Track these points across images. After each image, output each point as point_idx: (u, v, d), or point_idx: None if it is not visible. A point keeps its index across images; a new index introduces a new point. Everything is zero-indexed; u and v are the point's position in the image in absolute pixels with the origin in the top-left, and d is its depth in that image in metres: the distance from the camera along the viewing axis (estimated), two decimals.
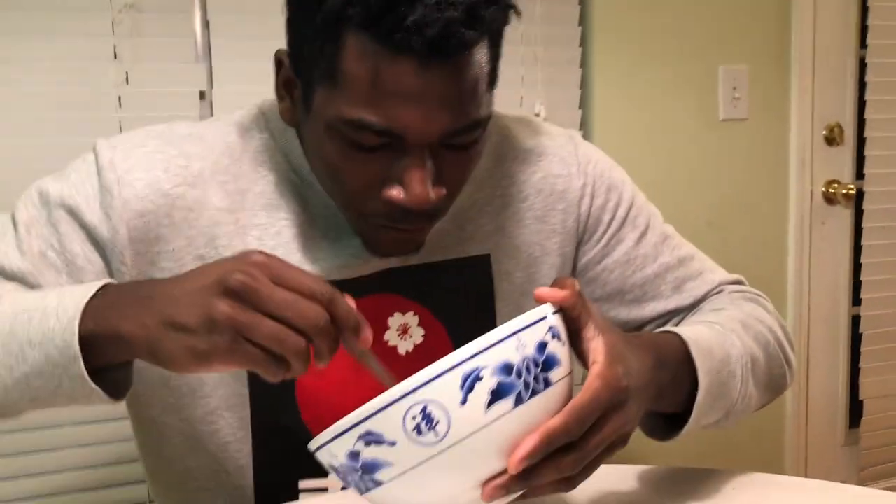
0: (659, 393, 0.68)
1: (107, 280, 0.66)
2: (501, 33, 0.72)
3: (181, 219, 0.76)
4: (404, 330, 0.82)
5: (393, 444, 0.54)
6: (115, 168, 0.75)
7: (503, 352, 0.55)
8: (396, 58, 0.65)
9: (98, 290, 0.63)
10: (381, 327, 0.81)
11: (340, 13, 0.65)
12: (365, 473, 0.56)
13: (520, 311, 0.64)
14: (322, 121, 0.70)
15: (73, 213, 0.75)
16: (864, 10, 1.88)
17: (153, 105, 1.38)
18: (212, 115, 1.42)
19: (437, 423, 0.53)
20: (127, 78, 1.36)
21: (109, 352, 0.61)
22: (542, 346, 0.57)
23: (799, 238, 1.87)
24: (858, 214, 1.94)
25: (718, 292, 0.92)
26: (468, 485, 0.56)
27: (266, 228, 0.78)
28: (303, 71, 0.72)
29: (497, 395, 0.54)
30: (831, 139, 1.89)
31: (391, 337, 0.81)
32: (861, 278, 1.95)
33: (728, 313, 0.84)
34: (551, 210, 0.87)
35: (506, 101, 1.57)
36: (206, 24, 1.41)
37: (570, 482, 0.60)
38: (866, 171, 1.92)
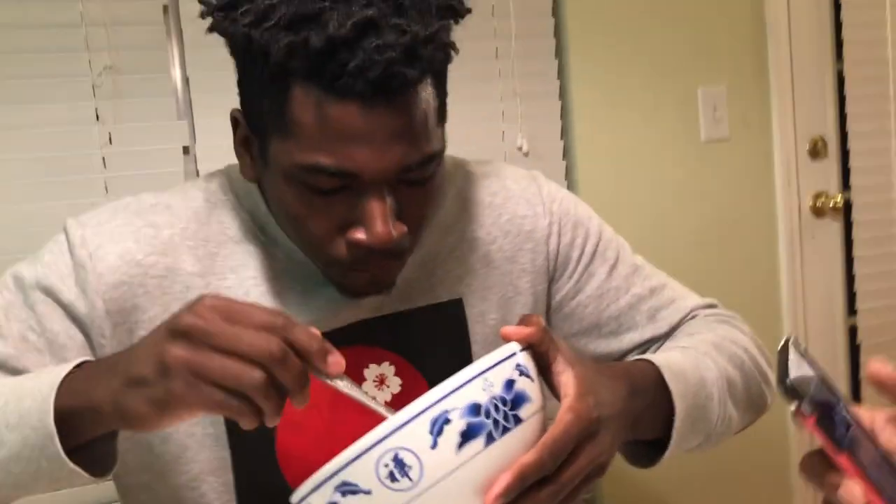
0: (635, 421, 0.69)
1: (84, 358, 0.66)
2: (444, 72, 0.75)
3: (155, 286, 0.77)
4: (381, 380, 0.82)
5: (368, 492, 0.54)
6: (86, 244, 0.77)
7: (470, 393, 0.56)
8: (342, 101, 0.66)
9: (74, 368, 0.63)
10: (357, 380, 0.81)
11: (285, 65, 0.67)
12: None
13: None
14: (280, 171, 0.71)
15: (49, 293, 0.76)
16: (838, 24, 1.90)
17: (138, 163, 1.39)
18: (196, 169, 1.43)
19: (410, 468, 0.54)
20: (110, 138, 1.37)
21: (86, 425, 0.61)
22: (509, 384, 0.58)
23: (790, 253, 1.88)
24: (848, 226, 1.94)
25: (692, 318, 0.93)
26: None
27: (234, 290, 0.79)
28: (257, 126, 0.73)
29: (467, 436, 0.55)
30: (815, 152, 1.90)
31: (368, 388, 0.81)
32: (855, 289, 1.95)
33: (701, 337, 0.86)
34: (520, 250, 0.88)
35: (487, 136, 1.60)
36: (185, 81, 1.43)
37: None
38: (852, 182, 1.93)
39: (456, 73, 1.67)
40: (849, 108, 1.91)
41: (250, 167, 0.77)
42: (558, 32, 1.67)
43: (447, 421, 0.55)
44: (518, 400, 0.58)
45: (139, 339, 0.63)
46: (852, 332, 1.98)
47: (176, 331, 0.57)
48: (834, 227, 1.93)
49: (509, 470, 0.56)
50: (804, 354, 0.56)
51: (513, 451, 0.57)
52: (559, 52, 1.67)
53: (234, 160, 0.82)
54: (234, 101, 0.84)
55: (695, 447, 0.78)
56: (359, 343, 0.81)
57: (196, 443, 0.79)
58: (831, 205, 1.89)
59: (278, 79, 0.68)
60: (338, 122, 0.67)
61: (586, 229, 0.91)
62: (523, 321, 0.63)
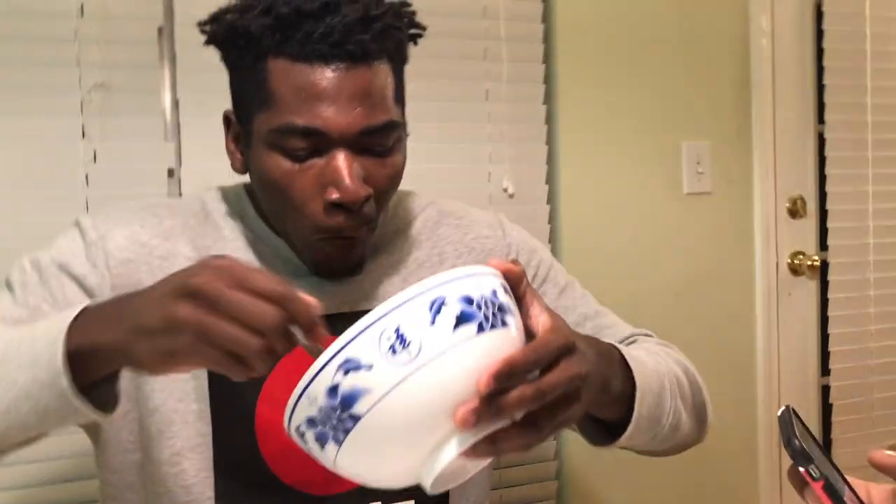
0: (603, 384, 0.74)
1: (87, 302, 0.71)
2: (401, 57, 0.88)
3: (157, 266, 0.87)
4: None
5: (370, 367, 0.58)
6: (97, 227, 0.88)
7: (463, 286, 0.61)
8: (309, 66, 0.80)
9: (80, 312, 0.68)
10: None
11: (261, 42, 0.81)
12: (343, 410, 0.58)
13: None
14: (261, 142, 0.83)
15: (62, 268, 0.86)
16: (820, 87, 1.95)
17: (121, 183, 1.38)
18: (180, 192, 1.43)
19: (410, 342, 0.58)
20: (95, 156, 1.36)
21: (93, 365, 0.66)
22: (495, 293, 0.63)
23: (766, 309, 1.89)
24: (824, 285, 1.96)
25: (633, 341, 1.01)
26: (442, 411, 0.59)
27: None
28: (244, 111, 0.86)
29: (461, 320, 0.60)
30: (794, 212, 1.93)
31: None
32: (829, 349, 1.97)
33: (647, 346, 0.95)
34: (483, 264, 0.93)
35: (473, 177, 1.61)
36: (175, 104, 1.43)
37: (537, 430, 0.63)
38: (830, 242, 1.95)
39: (446, 112, 1.70)
40: (828, 170, 1.94)
41: (239, 161, 0.89)
42: (548, 78, 1.69)
43: (444, 304, 0.60)
44: (503, 308, 0.63)
45: (144, 288, 0.67)
46: (825, 391, 1.99)
47: (185, 290, 0.62)
48: (810, 287, 1.95)
49: (500, 360, 0.60)
50: (803, 423, 0.60)
51: (501, 347, 0.62)
52: (548, 97, 1.69)
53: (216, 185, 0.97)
54: (221, 128, 0.91)
55: (647, 442, 0.85)
56: (337, 334, 0.84)
57: (180, 418, 0.86)
58: (808, 264, 1.92)
59: (257, 58, 0.82)
60: (306, 84, 0.80)
61: (540, 256, 1.03)
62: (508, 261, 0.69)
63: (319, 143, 0.81)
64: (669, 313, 1.79)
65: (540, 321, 0.67)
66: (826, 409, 1.99)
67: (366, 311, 0.84)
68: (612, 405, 0.79)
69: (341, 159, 0.81)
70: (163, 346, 0.62)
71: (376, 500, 0.91)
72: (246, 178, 0.93)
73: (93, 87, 1.36)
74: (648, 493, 1.76)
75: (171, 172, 1.43)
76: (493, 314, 0.62)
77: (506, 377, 0.60)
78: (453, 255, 0.98)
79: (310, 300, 0.63)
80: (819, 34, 1.94)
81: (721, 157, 1.84)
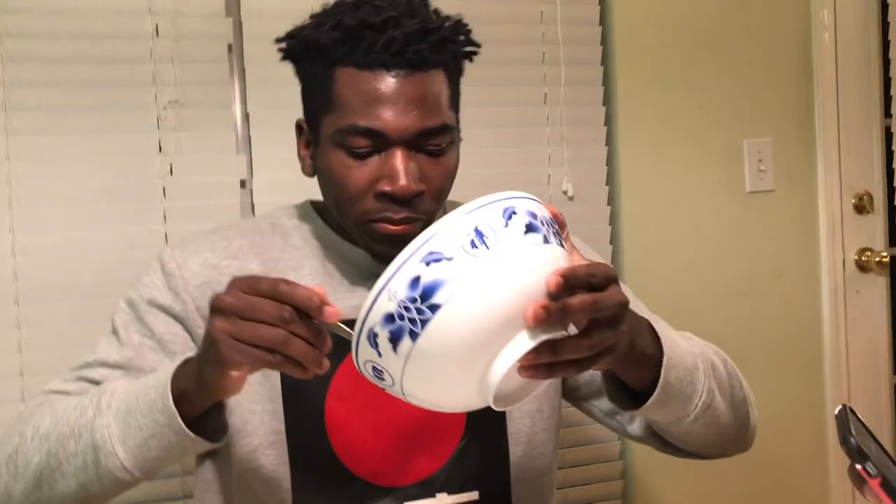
0: (630, 342, 0.77)
1: (188, 355, 0.83)
2: (457, 69, 0.95)
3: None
4: None
5: (451, 258, 0.63)
6: (174, 259, 0.97)
7: (529, 203, 0.69)
8: (372, 73, 0.88)
9: (183, 362, 0.81)
10: None
11: (329, 52, 0.89)
12: (423, 300, 0.63)
13: None
14: (327, 142, 0.91)
15: (152, 303, 0.96)
16: (886, 80, 1.91)
17: (196, 194, 1.45)
18: (252, 202, 1.48)
19: (487, 238, 0.64)
20: (171, 169, 1.43)
21: (193, 401, 0.79)
22: (552, 219, 0.70)
23: (833, 307, 1.86)
24: (895, 282, 1.93)
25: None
26: (514, 306, 0.64)
27: (305, 279, 0.97)
28: (313, 117, 0.94)
29: (529, 228, 0.67)
30: (861, 207, 1.90)
31: None
32: None
33: (685, 335, 0.96)
34: None
35: (534, 180, 1.64)
36: (245, 117, 1.49)
37: (589, 344, 0.69)
38: None
39: (506, 117, 1.72)
40: None
41: (309, 165, 0.97)
42: (607, 81, 1.71)
43: (514, 212, 0.67)
44: (558, 233, 0.71)
45: None
46: None
47: (215, 310, 0.73)
48: (880, 283, 1.92)
49: (566, 266, 0.68)
50: (861, 421, 0.60)
51: (561, 261, 0.68)
52: (607, 99, 1.71)
53: (287, 195, 1.07)
54: (291, 138, 1.00)
55: (679, 419, 0.87)
56: None
57: (256, 417, 0.94)
58: (877, 260, 1.88)
59: (326, 67, 0.90)
60: (368, 89, 0.88)
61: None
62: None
63: (379, 142, 0.88)
64: (733, 314, 1.78)
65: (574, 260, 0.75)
66: None
67: None
68: (639, 365, 0.81)
69: (398, 157, 0.88)
70: (211, 359, 0.74)
71: (442, 492, 0.95)
72: (314, 190, 0.98)
73: (168, 104, 1.43)
74: (714, 494, 1.76)
75: (243, 183, 1.49)
76: (553, 233, 0.69)
77: (571, 280, 0.66)
78: None
79: (315, 288, 0.71)
80: (885, 26, 1.90)
81: (783, 154, 1.83)
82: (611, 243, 1.69)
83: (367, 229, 0.91)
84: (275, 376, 0.94)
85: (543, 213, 0.69)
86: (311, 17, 0.93)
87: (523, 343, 0.65)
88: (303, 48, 0.92)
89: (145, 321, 0.95)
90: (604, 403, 1.04)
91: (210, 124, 1.46)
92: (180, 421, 0.78)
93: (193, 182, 1.45)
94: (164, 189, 1.43)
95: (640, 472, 1.72)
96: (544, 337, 0.66)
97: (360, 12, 0.88)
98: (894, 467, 0.57)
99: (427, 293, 0.63)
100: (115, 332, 0.97)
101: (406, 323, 0.64)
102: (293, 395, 0.94)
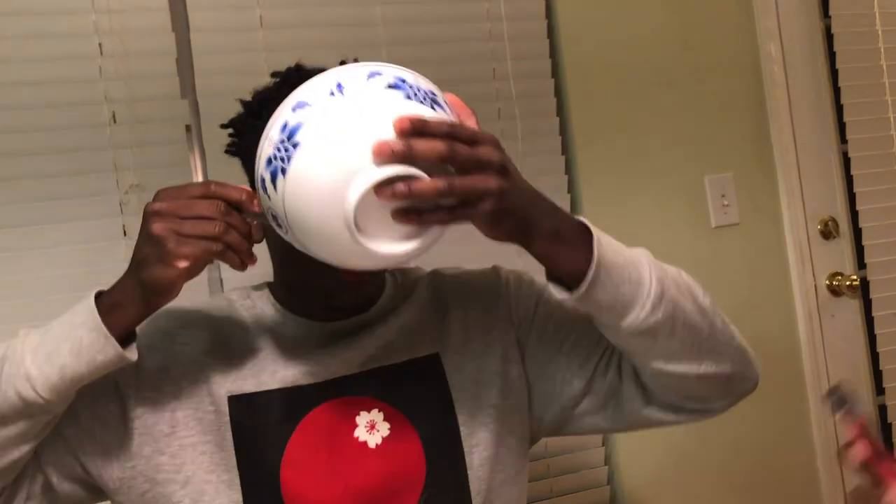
0: (530, 216, 0.80)
1: (98, 289, 0.86)
2: None
3: (178, 351, 0.97)
4: (371, 426, 0.95)
5: (311, 105, 0.75)
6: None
7: (401, 72, 0.77)
8: None
9: (102, 290, 0.85)
10: (350, 426, 0.94)
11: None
12: (289, 140, 0.75)
13: (475, 399, 0.97)
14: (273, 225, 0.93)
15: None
16: (839, 106, 1.95)
17: None
18: (220, 277, 1.49)
19: (346, 88, 0.75)
20: None
21: (119, 316, 0.82)
22: (433, 93, 0.79)
23: (809, 334, 1.88)
24: (867, 304, 1.94)
25: None
26: (364, 141, 0.73)
27: (254, 353, 0.98)
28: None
29: (392, 87, 0.76)
30: (827, 233, 1.92)
31: (360, 433, 0.94)
32: (881, 367, 1.94)
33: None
34: (483, 310, 1.03)
35: None
36: None
37: (456, 211, 0.76)
38: (867, 260, 1.94)
39: None
40: (857, 188, 1.94)
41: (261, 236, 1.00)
42: (563, 130, 1.74)
43: (379, 74, 0.76)
44: (436, 102, 0.78)
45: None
46: (882, 410, 1.95)
47: (148, 215, 0.80)
48: (853, 306, 1.93)
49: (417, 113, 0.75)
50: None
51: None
52: (565, 148, 1.73)
53: (257, 267, 0.95)
54: None
55: (640, 315, 0.85)
56: (350, 394, 0.95)
57: (212, 488, 0.92)
58: (848, 284, 1.90)
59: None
60: None
61: (531, 277, 1.06)
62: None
63: None
64: None
65: None
66: (886, 429, 1.95)
67: (375, 369, 0.95)
68: (558, 244, 0.83)
69: None
70: (158, 257, 0.79)
71: None
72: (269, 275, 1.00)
73: (129, 189, 1.44)
74: (702, 498, 1.75)
75: None
76: (423, 97, 0.76)
77: (420, 124, 0.74)
78: (454, 303, 1.03)
79: (239, 187, 0.82)
80: (832, 56, 1.95)
81: (745, 187, 1.85)
82: None
83: (325, 289, 0.93)
84: (229, 447, 0.92)
85: (420, 83, 0.78)
86: (251, 99, 0.95)
87: (371, 174, 0.73)
88: (245, 137, 0.94)
89: None
90: (594, 401, 1.00)
91: None
92: (97, 315, 0.81)
93: None
94: None
95: (625, 476, 1.72)
96: (390, 170, 0.73)
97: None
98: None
99: (291, 134, 0.75)
100: None
101: (278, 163, 0.76)
102: (248, 464, 0.92)
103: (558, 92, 1.74)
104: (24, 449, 0.86)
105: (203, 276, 1.46)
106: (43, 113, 1.42)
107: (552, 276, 0.87)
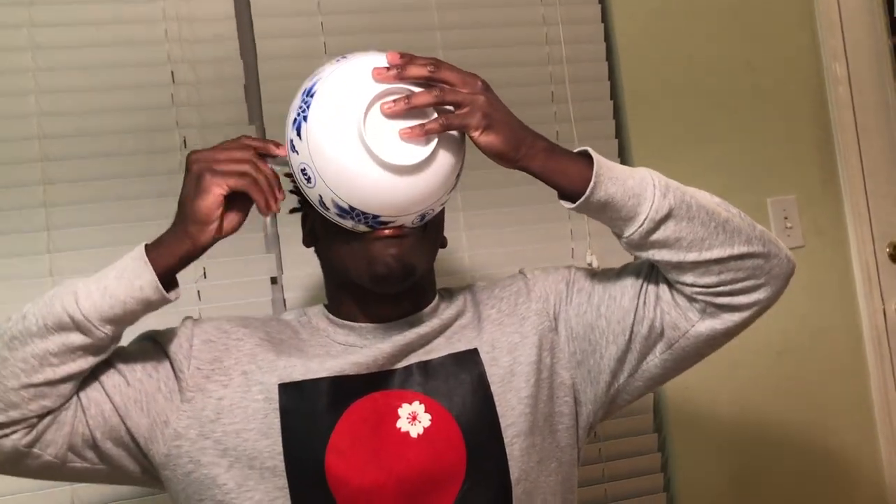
0: (549, 148, 0.99)
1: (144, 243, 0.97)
2: None
3: (233, 346, 1.06)
4: (413, 417, 1.00)
5: (322, 70, 0.98)
6: (195, 319, 1.10)
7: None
8: None
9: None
10: (392, 417, 0.99)
11: None
12: (307, 97, 0.94)
13: (514, 390, 1.02)
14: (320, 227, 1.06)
15: (153, 335, 1.08)
16: None
17: (229, 295, 1.50)
18: (283, 297, 1.53)
19: (348, 56, 0.99)
20: (205, 273, 1.49)
21: (168, 254, 0.95)
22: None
23: (878, 360, 1.83)
24: None
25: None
26: (366, 78, 0.93)
27: (304, 348, 1.07)
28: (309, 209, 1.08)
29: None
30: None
31: (403, 424, 0.99)
32: None
33: None
34: (514, 305, 1.10)
35: (557, 255, 1.65)
36: (273, 216, 1.54)
37: (452, 118, 0.93)
38: None
39: (525, 196, 1.75)
40: None
41: (310, 241, 1.13)
42: (623, 152, 1.74)
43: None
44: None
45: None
46: None
47: (189, 161, 0.95)
48: None
49: None
50: None
51: None
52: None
53: (316, 288, 1.15)
54: None
55: (653, 206, 0.97)
56: (393, 387, 1.01)
57: (257, 474, 0.96)
58: None
59: None
60: None
61: (554, 268, 1.15)
62: None
63: None
64: (773, 374, 1.76)
65: None
66: None
67: (417, 363, 1.03)
68: (558, 160, 0.99)
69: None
70: (195, 190, 0.93)
71: None
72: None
73: None
74: (760, 487, 1.71)
75: (273, 280, 1.54)
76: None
77: (408, 56, 0.94)
78: (487, 306, 1.11)
79: (264, 139, 1.03)
80: None
81: (809, 209, 1.82)
82: None
83: (366, 257, 1.00)
84: (277, 435, 0.97)
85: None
86: None
87: (374, 88, 0.91)
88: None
89: (136, 341, 1.05)
90: (640, 346, 1.05)
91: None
92: (142, 247, 0.94)
93: (226, 283, 1.50)
94: (198, 293, 1.49)
95: (680, 463, 1.70)
96: (388, 85, 0.92)
97: None
98: None
99: (308, 92, 0.95)
100: None
101: (300, 117, 0.94)
102: (294, 450, 0.97)
103: (617, 114, 1.75)
104: (63, 371, 0.92)
105: (267, 297, 1.52)
106: (122, 138, 1.49)
107: (561, 196, 0.99)
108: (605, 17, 1.76)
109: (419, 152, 0.92)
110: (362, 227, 0.96)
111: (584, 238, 1.68)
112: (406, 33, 1.63)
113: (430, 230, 1.04)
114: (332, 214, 0.96)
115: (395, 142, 0.91)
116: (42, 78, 1.47)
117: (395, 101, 0.91)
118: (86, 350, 0.93)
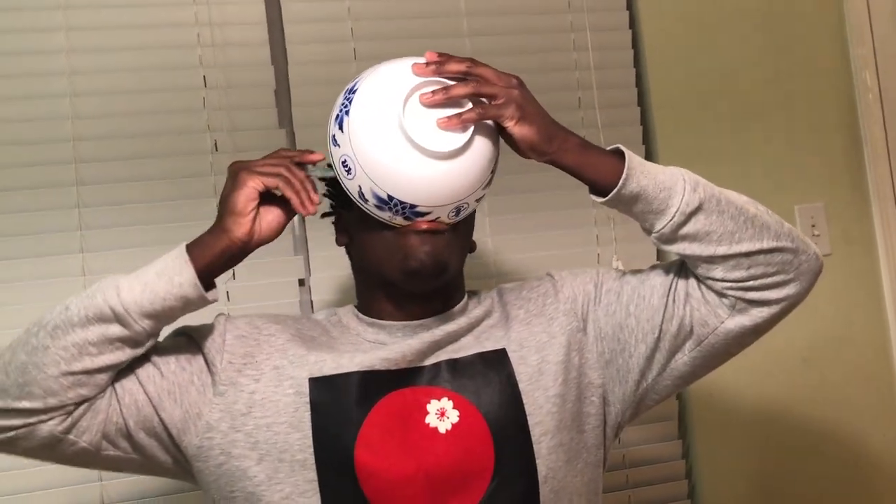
0: (583, 144, 1.02)
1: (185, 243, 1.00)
2: None
3: (263, 340, 1.08)
4: (441, 413, 1.01)
5: (365, 73, 1.03)
6: (227, 316, 1.12)
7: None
8: None
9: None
10: (421, 412, 1.01)
11: None
12: (350, 93, 1.00)
13: (542, 389, 1.03)
14: (355, 222, 1.08)
15: (188, 330, 1.10)
16: None
17: (258, 296, 1.52)
18: (311, 299, 1.55)
19: (388, 61, 1.03)
20: (234, 274, 1.51)
21: (209, 251, 0.98)
22: None
23: None
24: None
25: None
26: (406, 74, 0.98)
27: (335, 344, 1.09)
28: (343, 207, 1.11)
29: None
30: None
31: (431, 420, 1.00)
32: None
33: None
34: (542, 306, 1.11)
35: (582, 259, 1.66)
36: (301, 218, 1.56)
37: (488, 109, 0.97)
38: None
39: (552, 201, 1.75)
40: None
41: (343, 239, 1.14)
42: (649, 158, 1.73)
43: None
44: None
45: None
46: None
47: (230, 169, 1.00)
48: None
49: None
50: None
51: None
52: None
53: (343, 290, 1.21)
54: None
55: (683, 201, 1.00)
56: (422, 383, 1.03)
57: (287, 466, 0.98)
58: None
59: None
60: None
61: (582, 270, 1.16)
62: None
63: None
64: (798, 381, 1.75)
65: None
66: None
67: (447, 361, 1.04)
68: (592, 155, 1.02)
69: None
70: (232, 186, 0.98)
71: None
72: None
73: None
74: (784, 495, 1.70)
75: (301, 282, 1.56)
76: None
77: (445, 55, 0.99)
78: (515, 307, 1.12)
79: (298, 150, 1.05)
80: None
81: (837, 217, 1.81)
82: None
83: (400, 252, 1.02)
84: (307, 428, 0.99)
85: None
86: None
87: (414, 81, 0.96)
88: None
89: (170, 336, 1.07)
90: (669, 344, 1.05)
91: None
92: (183, 246, 0.97)
93: (255, 285, 1.52)
94: (227, 293, 1.51)
95: (705, 471, 1.70)
96: (427, 78, 0.97)
97: None
98: None
99: (350, 90, 1.00)
100: None
101: (342, 113, 0.99)
102: (324, 442, 0.98)
103: (644, 120, 1.75)
104: (101, 360, 0.94)
105: (295, 298, 1.53)
106: (154, 140, 1.52)
107: (592, 191, 1.02)
108: (632, 24, 1.76)
109: (456, 139, 0.96)
110: (399, 220, 0.99)
111: (609, 244, 1.68)
112: (435, 39, 1.64)
113: (461, 231, 1.06)
114: (370, 206, 0.98)
115: (433, 130, 0.95)
116: (77, 81, 1.49)
117: (433, 91, 0.96)
118: (124, 342, 0.95)
